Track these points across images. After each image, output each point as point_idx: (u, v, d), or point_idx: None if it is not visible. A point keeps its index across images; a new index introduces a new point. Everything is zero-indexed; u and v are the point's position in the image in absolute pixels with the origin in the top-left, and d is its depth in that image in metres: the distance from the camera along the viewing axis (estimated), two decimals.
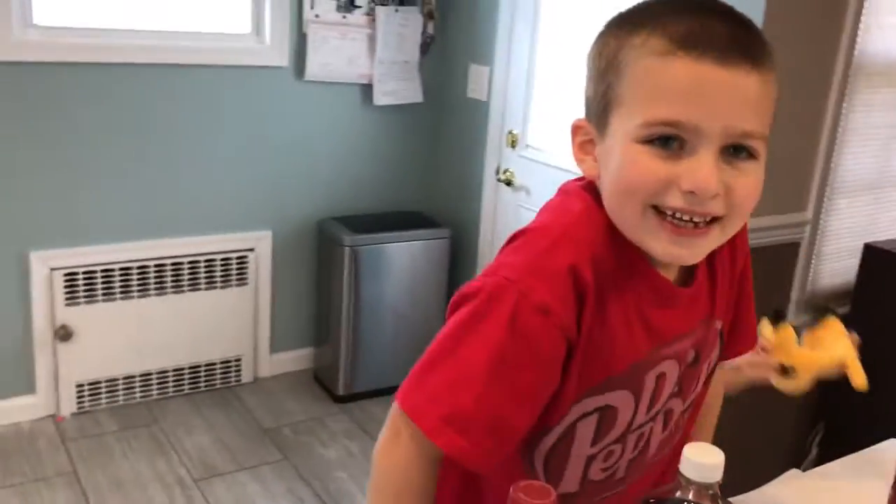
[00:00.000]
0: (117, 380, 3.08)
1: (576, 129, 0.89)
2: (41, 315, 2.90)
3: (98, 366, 3.03)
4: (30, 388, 2.96)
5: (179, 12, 2.95)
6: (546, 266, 0.83)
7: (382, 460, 0.91)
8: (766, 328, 1.28)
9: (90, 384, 3.03)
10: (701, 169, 0.77)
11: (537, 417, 0.87)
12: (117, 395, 3.09)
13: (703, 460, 0.66)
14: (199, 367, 3.22)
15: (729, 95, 0.77)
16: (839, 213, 2.53)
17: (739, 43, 0.77)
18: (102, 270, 2.94)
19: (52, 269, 2.87)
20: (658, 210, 0.81)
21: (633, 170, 0.80)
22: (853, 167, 2.49)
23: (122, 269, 2.97)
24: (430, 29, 3.35)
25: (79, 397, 3.02)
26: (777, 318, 1.27)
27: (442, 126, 3.45)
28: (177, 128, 2.97)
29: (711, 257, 0.91)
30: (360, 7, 3.15)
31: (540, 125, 3.03)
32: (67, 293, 2.90)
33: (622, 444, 0.95)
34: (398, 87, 3.33)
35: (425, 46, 3.35)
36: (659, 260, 0.87)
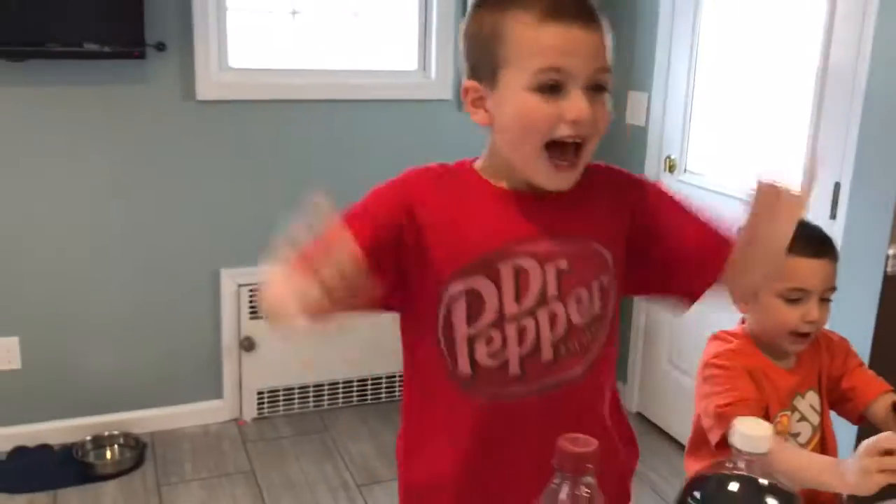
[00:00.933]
0: (293, 389, 3.34)
1: (466, 91, 1.14)
2: (229, 327, 3.21)
3: (276, 375, 3.30)
4: (218, 393, 3.28)
5: (354, 53, 3.21)
6: (400, 177, 1.21)
7: None
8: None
9: (269, 392, 3.32)
10: (579, 103, 1.06)
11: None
12: (293, 404, 3.36)
13: (751, 432, 0.71)
14: (366, 380, 3.43)
15: (589, 48, 1.07)
16: None
17: (588, 9, 1.08)
18: None
19: (240, 286, 3.18)
20: (550, 151, 1.09)
21: (529, 111, 1.08)
22: None
23: None
24: None
25: (259, 404, 3.31)
26: None
27: (602, 152, 3.48)
28: (349, 158, 3.20)
29: (587, 188, 1.18)
30: None
31: (698, 150, 3.03)
32: (252, 307, 3.20)
33: (500, 331, 1.15)
34: None
35: None
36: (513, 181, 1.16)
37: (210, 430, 3.24)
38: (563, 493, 0.72)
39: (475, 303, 1.14)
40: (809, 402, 1.51)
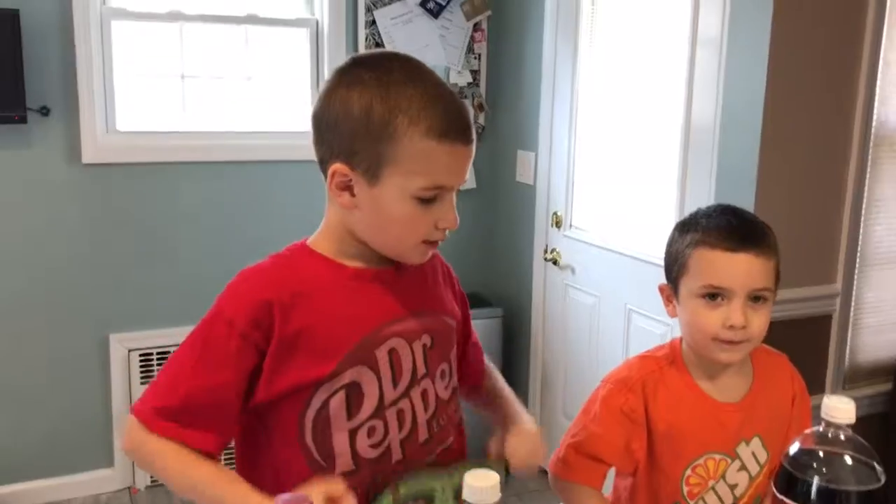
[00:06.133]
0: None
1: (333, 173, 1.12)
2: (119, 393, 3.14)
3: None
4: (109, 461, 3.20)
5: (248, 116, 3.24)
6: (238, 292, 1.14)
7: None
8: None
9: None
10: (451, 212, 1.14)
11: (262, 403, 1.13)
12: None
13: (480, 484, 0.74)
14: None
15: (467, 163, 1.14)
16: (874, 285, 2.47)
17: (470, 127, 1.13)
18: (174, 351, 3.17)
19: (130, 350, 3.13)
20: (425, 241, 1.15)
21: (411, 218, 1.11)
22: (886, 237, 2.45)
23: None
24: (482, 119, 3.53)
25: None
26: None
27: (494, 209, 3.58)
28: (239, 219, 3.21)
29: (423, 265, 1.22)
30: None
31: (581, 206, 3.12)
32: (143, 372, 3.15)
33: (382, 420, 1.14)
34: None
35: (477, 136, 3.52)
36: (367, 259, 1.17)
37: (101, 500, 3.15)
38: None
39: (355, 395, 1.11)
40: (753, 449, 1.30)
